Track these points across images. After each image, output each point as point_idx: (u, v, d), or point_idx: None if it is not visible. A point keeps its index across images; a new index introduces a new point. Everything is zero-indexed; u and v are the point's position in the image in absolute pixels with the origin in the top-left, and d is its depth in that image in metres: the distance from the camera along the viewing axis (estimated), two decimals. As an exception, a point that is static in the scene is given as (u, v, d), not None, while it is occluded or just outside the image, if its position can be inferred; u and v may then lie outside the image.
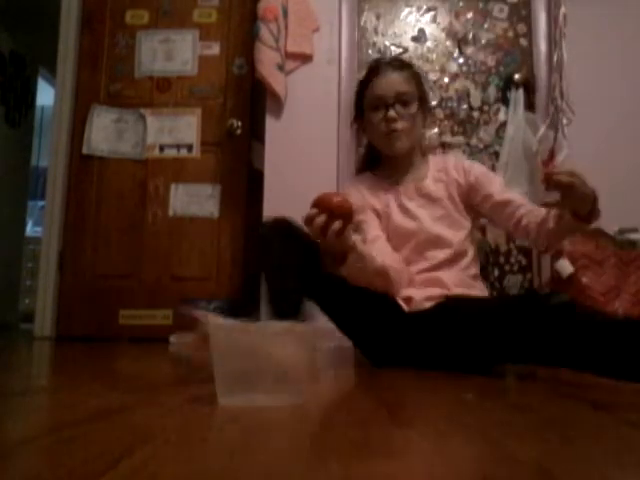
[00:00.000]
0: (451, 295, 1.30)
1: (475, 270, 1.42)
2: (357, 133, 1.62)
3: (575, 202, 1.12)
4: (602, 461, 0.50)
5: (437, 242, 1.39)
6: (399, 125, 1.40)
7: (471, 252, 1.42)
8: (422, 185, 1.46)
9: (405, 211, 1.44)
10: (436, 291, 1.32)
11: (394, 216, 1.44)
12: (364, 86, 1.48)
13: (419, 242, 1.40)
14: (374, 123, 1.44)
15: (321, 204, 1.11)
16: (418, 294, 1.32)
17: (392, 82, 1.43)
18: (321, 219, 1.09)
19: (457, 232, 1.41)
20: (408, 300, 1.33)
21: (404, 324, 1.30)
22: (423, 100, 1.48)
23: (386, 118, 1.40)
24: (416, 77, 1.48)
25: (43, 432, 0.56)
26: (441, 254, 1.38)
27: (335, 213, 1.10)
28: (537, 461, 0.49)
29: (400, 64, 1.50)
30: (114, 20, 2.70)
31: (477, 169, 1.47)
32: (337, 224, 1.10)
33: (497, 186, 1.42)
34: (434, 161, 1.53)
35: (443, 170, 1.48)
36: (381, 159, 1.53)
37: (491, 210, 1.41)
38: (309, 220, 1.11)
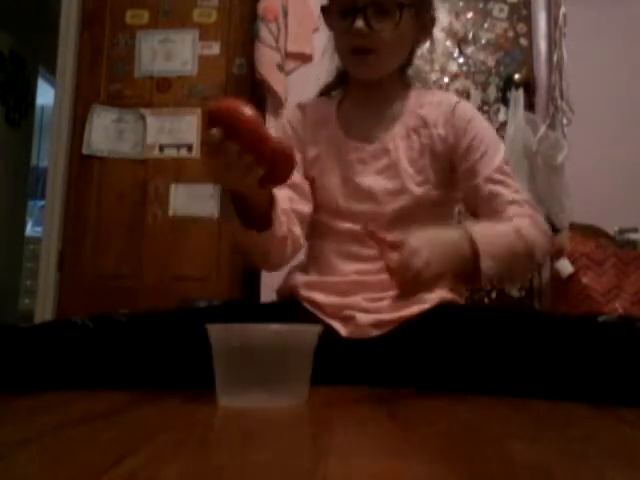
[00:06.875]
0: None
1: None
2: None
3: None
4: (602, 461, 0.50)
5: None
6: (367, 42, 0.95)
7: None
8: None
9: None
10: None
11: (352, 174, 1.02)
12: None
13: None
14: (337, 36, 1.03)
15: (224, 118, 0.67)
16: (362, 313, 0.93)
17: None
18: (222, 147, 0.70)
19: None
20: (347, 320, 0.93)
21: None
22: (420, 3, 0.98)
23: (351, 30, 0.94)
24: None
25: (43, 432, 0.56)
26: None
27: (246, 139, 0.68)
28: (537, 461, 0.49)
29: None
30: (114, 20, 2.70)
31: (474, 129, 0.99)
32: (248, 158, 0.71)
33: (489, 166, 0.95)
34: (416, 99, 1.05)
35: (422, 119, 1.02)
36: (349, 80, 1.12)
37: (466, 192, 1.00)
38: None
